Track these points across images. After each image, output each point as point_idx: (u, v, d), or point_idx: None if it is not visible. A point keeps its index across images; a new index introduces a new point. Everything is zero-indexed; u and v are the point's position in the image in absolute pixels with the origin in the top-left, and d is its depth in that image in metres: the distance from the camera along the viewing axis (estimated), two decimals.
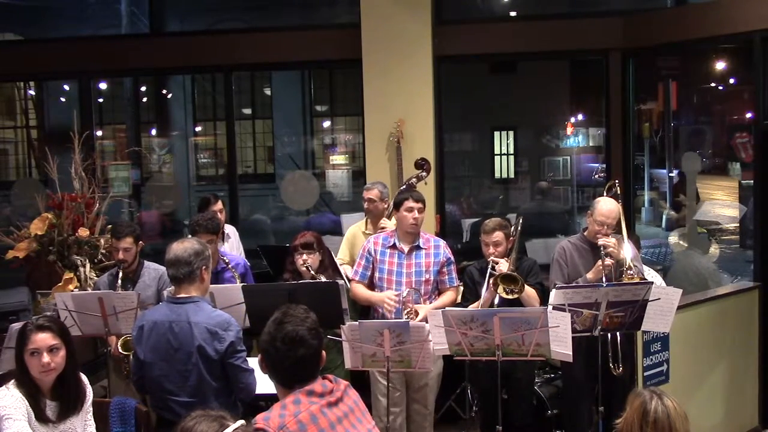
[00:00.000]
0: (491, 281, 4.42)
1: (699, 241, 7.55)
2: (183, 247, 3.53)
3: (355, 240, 5.72)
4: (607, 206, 4.66)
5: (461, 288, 4.94)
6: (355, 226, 5.85)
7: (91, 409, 3.42)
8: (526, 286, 4.47)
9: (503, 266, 4.54)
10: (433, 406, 4.79)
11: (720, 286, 6.36)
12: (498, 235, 4.67)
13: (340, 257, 5.65)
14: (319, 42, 7.13)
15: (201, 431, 2.12)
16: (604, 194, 4.87)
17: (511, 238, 4.74)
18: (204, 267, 3.56)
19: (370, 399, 4.61)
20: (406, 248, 4.63)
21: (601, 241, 4.52)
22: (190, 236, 4.93)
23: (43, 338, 3.18)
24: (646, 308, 4.09)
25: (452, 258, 4.74)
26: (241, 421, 2.15)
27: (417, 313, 4.46)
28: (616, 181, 5.14)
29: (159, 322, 3.51)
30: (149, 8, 8.19)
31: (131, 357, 4.36)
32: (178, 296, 3.54)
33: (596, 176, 12.31)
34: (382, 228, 5.38)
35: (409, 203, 4.58)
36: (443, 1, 7.03)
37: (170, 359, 3.48)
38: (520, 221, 4.97)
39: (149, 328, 3.53)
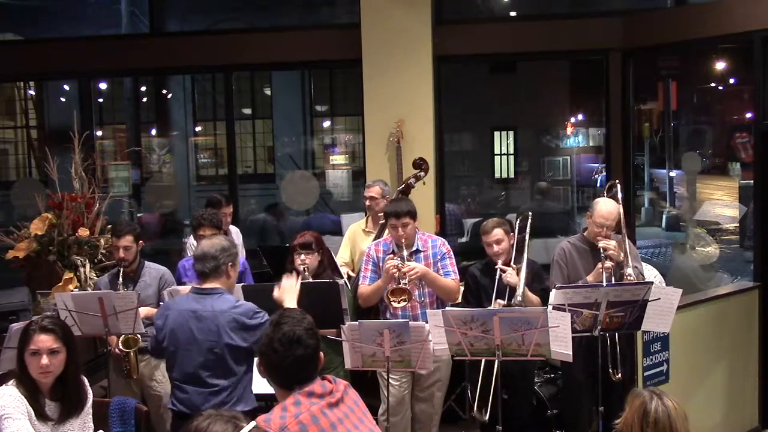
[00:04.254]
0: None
1: (692, 241, 7.57)
2: (211, 243, 3.66)
3: (355, 239, 5.71)
4: (606, 208, 4.65)
5: (461, 286, 4.93)
6: (355, 224, 5.84)
7: (91, 411, 3.43)
8: (529, 293, 4.49)
9: (511, 278, 4.52)
10: (440, 405, 4.78)
11: (707, 287, 6.37)
12: (498, 232, 4.66)
13: (341, 257, 5.64)
14: (319, 42, 7.13)
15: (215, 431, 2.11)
16: (605, 195, 4.86)
17: (521, 235, 4.69)
18: (230, 263, 3.64)
19: (371, 399, 4.60)
20: (405, 253, 4.61)
21: (601, 244, 4.50)
22: (192, 231, 5.02)
23: (45, 340, 3.20)
24: (646, 308, 4.09)
25: (449, 253, 4.68)
26: (254, 423, 2.14)
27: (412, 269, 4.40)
28: (617, 181, 5.10)
29: (182, 310, 3.57)
30: (149, 8, 8.18)
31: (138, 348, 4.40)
32: (204, 287, 3.60)
33: (596, 176, 12.33)
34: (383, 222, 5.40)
35: (391, 221, 4.52)
36: (443, 1, 7.03)
37: (190, 348, 3.52)
38: (529, 218, 4.85)
39: (173, 317, 3.58)
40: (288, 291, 3.68)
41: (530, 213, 4.89)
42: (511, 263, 4.62)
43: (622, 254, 4.52)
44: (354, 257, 5.63)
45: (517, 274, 4.53)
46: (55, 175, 5.95)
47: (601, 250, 4.48)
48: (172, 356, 3.61)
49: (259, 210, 11.46)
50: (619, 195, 4.84)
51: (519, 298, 4.35)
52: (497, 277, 4.55)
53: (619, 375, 4.46)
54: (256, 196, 12.73)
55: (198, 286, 3.66)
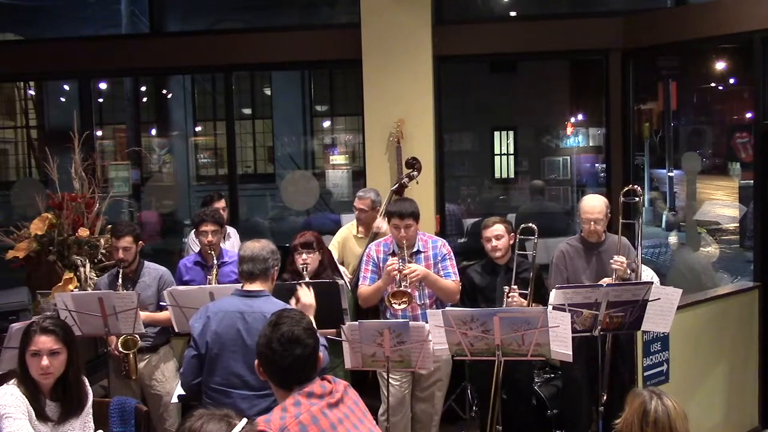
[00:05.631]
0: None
1: (693, 238, 7.56)
2: (260, 245, 3.61)
3: (345, 242, 5.71)
4: (590, 202, 4.69)
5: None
6: (345, 228, 5.85)
7: (91, 410, 3.43)
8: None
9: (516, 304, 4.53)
10: (441, 405, 4.79)
11: (714, 282, 6.37)
12: (499, 228, 4.67)
13: None
14: (319, 42, 7.12)
15: (209, 431, 2.11)
16: (621, 198, 4.71)
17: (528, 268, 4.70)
18: (277, 266, 3.63)
19: (371, 399, 4.60)
20: (406, 254, 4.61)
21: (615, 266, 4.51)
22: (194, 228, 5.02)
23: (45, 341, 3.20)
24: (646, 308, 4.09)
25: (450, 254, 4.67)
26: (245, 420, 2.15)
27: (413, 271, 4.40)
28: (635, 186, 4.84)
29: (229, 311, 3.49)
30: (149, 8, 8.17)
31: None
32: (250, 289, 3.55)
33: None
34: (378, 227, 5.39)
35: (395, 221, 4.51)
36: (443, 1, 7.02)
37: (237, 349, 3.44)
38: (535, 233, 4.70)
39: (218, 319, 3.48)
40: (308, 307, 3.61)
41: (535, 228, 4.64)
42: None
43: (629, 271, 4.52)
44: (343, 260, 5.62)
45: (524, 298, 4.55)
46: (55, 175, 5.95)
47: (613, 271, 4.49)
48: (215, 359, 3.46)
49: (257, 210, 11.48)
50: (638, 200, 4.67)
51: None
52: (505, 297, 4.56)
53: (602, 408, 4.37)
54: (255, 197, 12.74)
55: (243, 288, 3.58)
